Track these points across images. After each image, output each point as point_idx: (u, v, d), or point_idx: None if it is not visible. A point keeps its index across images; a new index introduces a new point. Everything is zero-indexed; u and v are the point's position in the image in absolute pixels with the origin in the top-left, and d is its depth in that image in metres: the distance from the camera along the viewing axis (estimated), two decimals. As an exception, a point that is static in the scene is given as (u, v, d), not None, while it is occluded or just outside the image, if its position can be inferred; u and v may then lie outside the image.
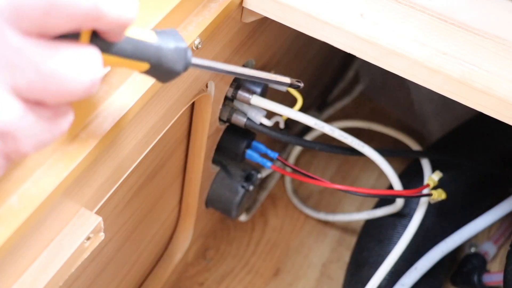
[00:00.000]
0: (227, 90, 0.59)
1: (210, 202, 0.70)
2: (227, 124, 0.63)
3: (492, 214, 0.70)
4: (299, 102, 0.61)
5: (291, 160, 0.86)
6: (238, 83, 0.60)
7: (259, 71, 0.46)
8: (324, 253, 0.82)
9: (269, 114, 0.61)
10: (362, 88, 0.95)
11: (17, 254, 0.38)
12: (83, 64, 0.31)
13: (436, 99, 0.83)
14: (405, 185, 0.66)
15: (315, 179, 0.62)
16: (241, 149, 0.64)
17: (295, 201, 0.84)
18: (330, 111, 0.93)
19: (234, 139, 0.64)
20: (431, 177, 0.65)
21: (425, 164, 0.70)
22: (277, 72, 0.63)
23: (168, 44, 0.37)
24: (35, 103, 0.31)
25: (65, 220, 0.42)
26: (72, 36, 0.32)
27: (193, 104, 0.56)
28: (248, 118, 0.61)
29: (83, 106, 0.41)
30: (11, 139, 0.31)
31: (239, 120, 0.61)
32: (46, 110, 0.32)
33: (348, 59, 0.93)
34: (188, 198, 0.67)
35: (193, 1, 0.48)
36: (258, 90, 0.60)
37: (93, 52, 0.32)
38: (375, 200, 0.78)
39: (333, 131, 0.60)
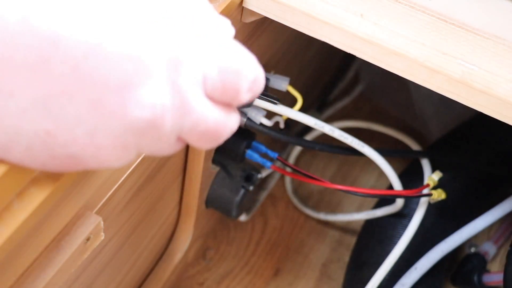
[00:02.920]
0: (227, 90, 0.59)
1: (210, 202, 0.70)
2: (227, 124, 0.62)
3: (492, 214, 0.70)
4: (299, 102, 0.61)
5: (291, 160, 0.86)
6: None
7: None
8: (324, 253, 0.81)
9: (269, 114, 0.61)
10: (362, 88, 0.95)
11: (17, 254, 0.38)
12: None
13: (436, 99, 0.83)
14: (405, 185, 0.66)
15: (315, 179, 0.62)
16: (241, 149, 0.64)
17: (295, 201, 0.84)
18: (330, 111, 0.92)
19: (234, 139, 0.64)
20: (431, 177, 0.65)
21: (425, 164, 0.70)
22: (277, 72, 0.63)
23: None
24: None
25: (65, 220, 0.42)
26: None
27: (193, 104, 0.56)
28: (248, 118, 0.61)
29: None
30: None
31: (239, 120, 0.61)
32: None
33: (348, 59, 0.93)
34: (188, 198, 0.67)
35: (193, 1, 0.48)
36: (258, 90, 0.60)
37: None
38: (375, 200, 0.78)
39: (333, 131, 0.60)
